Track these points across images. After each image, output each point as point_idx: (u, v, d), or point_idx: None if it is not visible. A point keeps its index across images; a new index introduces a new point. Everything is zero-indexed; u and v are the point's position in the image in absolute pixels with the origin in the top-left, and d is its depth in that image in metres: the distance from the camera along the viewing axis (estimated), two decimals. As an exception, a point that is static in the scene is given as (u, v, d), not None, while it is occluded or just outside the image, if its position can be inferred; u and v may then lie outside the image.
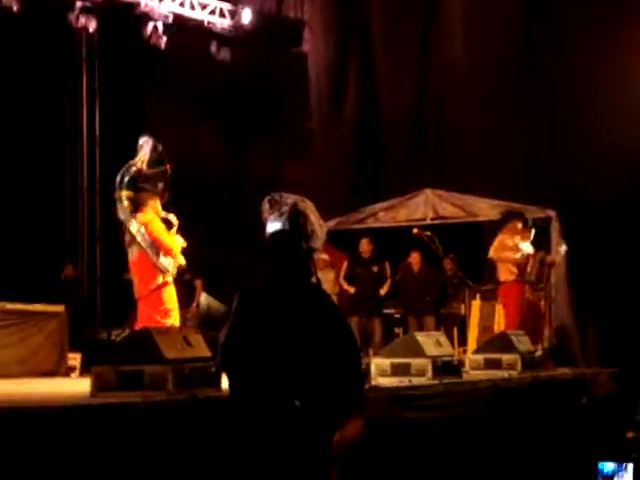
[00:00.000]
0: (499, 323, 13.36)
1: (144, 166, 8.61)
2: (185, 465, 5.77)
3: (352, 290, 13.26)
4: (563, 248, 11.98)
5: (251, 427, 4.56)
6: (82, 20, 12.31)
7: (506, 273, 11.19)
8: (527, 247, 11.32)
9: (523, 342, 10.92)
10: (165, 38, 12.84)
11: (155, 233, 8.58)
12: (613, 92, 12.61)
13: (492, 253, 11.23)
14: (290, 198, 5.94)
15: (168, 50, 12.89)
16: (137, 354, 6.85)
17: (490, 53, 13.96)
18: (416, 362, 9.18)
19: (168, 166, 8.65)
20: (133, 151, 8.47)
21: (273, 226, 5.70)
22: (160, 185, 8.65)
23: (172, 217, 8.81)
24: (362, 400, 4.73)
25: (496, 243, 11.26)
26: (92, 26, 12.43)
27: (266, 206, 5.99)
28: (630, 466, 7.12)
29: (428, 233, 11.92)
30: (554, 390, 10.08)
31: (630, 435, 8.48)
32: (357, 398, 4.65)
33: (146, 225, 8.57)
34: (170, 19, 12.95)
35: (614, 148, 12.66)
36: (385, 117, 14.86)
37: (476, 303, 13.57)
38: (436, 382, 8.93)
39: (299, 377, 4.52)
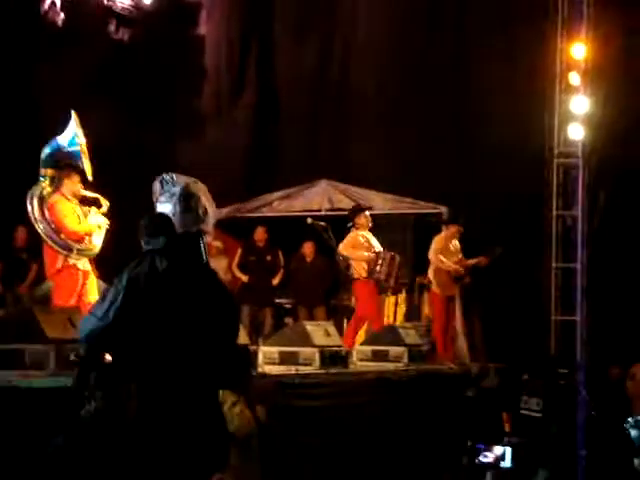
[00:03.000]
0: (389, 316, 13.51)
1: (64, 143, 8.41)
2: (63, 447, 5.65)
3: (245, 279, 13.22)
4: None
5: (143, 403, 4.51)
6: (-24, -8, 12.00)
7: (357, 271, 11.09)
8: (376, 244, 11.27)
9: (411, 335, 11.05)
10: (62, 15, 12.58)
11: (59, 214, 8.36)
12: (506, 93, 12.85)
13: (342, 249, 11.08)
14: (182, 179, 5.85)
15: (64, 27, 12.64)
16: (19, 333, 6.73)
17: (394, 44, 14.08)
18: (304, 351, 9.20)
19: (83, 142, 8.42)
20: (22, 129, 8.25)
21: (164, 207, 5.62)
22: (77, 163, 8.43)
23: (100, 197, 8.55)
24: (247, 378, 4.74)
25: (346, 240, 11.17)
26: (-13, -1, 12.11)
27: (157, 187, 5.89)
28: (508, 449, 7.48)
29: (322, 224, 11.92)
30: (439, 383, 10.23)
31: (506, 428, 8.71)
32: (243, 373, 4.67)
33: (51, 205, 8.35)
34: (69, -5, 12.72)
35: (503, 148, 12.91)
36: (283, 104, 14.86)
37: (366, 295, 13.67)
38: (323, 372, 8.98)
39: (188, 354, 4.50)
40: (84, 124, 8.59)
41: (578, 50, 12.57)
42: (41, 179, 8.46)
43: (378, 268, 11.01)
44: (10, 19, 12.84)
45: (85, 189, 8.56)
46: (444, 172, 13.53)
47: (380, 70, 14.15)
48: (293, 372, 8.78)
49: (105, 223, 8.53)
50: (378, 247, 11.20)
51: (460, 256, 11.91)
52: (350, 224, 11.18)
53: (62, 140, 8.50)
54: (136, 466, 4.47)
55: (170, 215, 5.26)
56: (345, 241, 11.13)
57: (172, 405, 4.44)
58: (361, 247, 11.07)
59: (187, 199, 5.17)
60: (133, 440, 4.39)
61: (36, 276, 12.17)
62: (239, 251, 13.42)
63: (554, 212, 12.89)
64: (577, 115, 12.61)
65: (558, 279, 12.87)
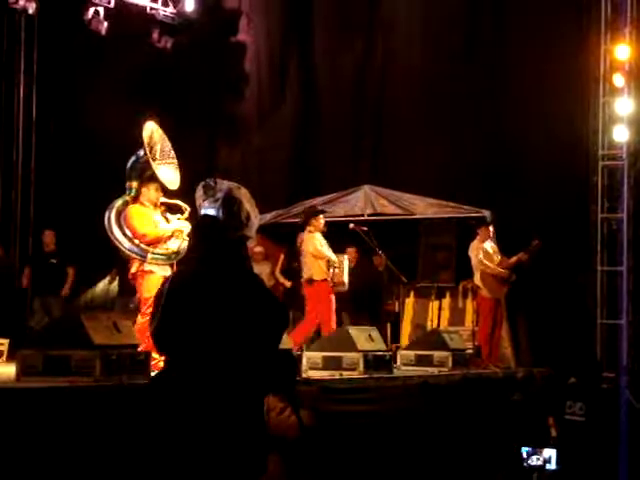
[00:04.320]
0: (432, 320, 13.47)
1: (141, 153, 8.49)
2: (110, 451, 5.70)
3: (288, 284, 13.24)
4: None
5: (187, 406, 4.53)
6: (22, 2, 12.12)
7: (319, 272, 10.92)
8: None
9: (455, 340, 11.01)
10: (106, 23, 12.69)
11: (129, 219, 8.42)
12: (548, 96, 12.75)
13: (312, 250, 10.91)
14: (225, 184, 5.86)
15: (109, 35, 12.75)
16: (65, 339, 6.78)
17: (432, 48, 14.05)
18: (348, 356, 9.20)
19: (149, 152, 8.47)
20: (69, 136, 8.34)
21: (207, 212, 5.63)
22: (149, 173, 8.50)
23: (181, 203, 8.53)
24: (292, 384, 4.74)
25: (309, 241, 11.00)
26: (32, 8, 12.24)
27: (200, 192, 5.89)
28: (554, 451, 7.49)
29: (365, 228, 11.93)
30: (484, 387, 10.18)
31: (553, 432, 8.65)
32: (288, 378, 4.66)
33: (126, 213, 8.41)
34: (112, 4, 12.81)
35: (547, 150, 12.82)
36: (325, 110, 14.88)
37: (410, 300, 13.66)
38: (367, 376, 8.96)
39: (233, 357, 4.51)
40: (127, 130, 8.66)
41: (622, 51, 12.45)
42: (127, 191, 8.54)
43: (335, 271, 11.01)
44: (55, 28, 13.00)
45: (168, 197, 8.60)
46: (489, 176, 13.45)
47: (420, 75, 14.10)
48: (337, 377, 8.78)
49: (187, 228, 8.45)
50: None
51: (500, 257, 11.88)
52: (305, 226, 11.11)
53: (141, 151, 8.56)
54: (173, 470, 4.47)
55: (213, 220, 5.27)
56: (309, 242, 11.01)
57: (211, 410, 4.44)
58: (322, 249, 10.99)
59: (230, 204, 5.15)
60: (172, 442, 4.40)
61: (74, 280, 12.24)
62: (282, 257, 13.45)
63: (599, 215, 12.78)
64: (622, 117, 12.50)
65: (604, 282, 12.77)
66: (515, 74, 13.17)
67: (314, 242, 11.00)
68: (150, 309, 7.46)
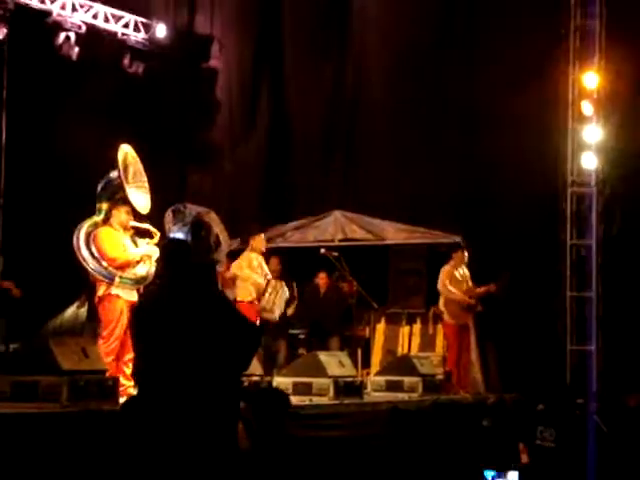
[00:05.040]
0: (403, 346, 13.49)
1: (114, 175, 8.47)
2: (77, 477, 5.66)
3: (259, 309, 13.20)
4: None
5: (155, 430, 4.51)
6: (-9, 27, 12.07)
7: (244, 292, 10.83)
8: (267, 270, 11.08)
9: (425, 365, 11.02)
10: (77, 49, 12.66)
11: (99, 241, 8.39)
12: (519, 123, 12.85)
13: (234, 268, 10.88)
14: (194, 209, 5.89)
15: (80, 61, 12.72)
16: (33, 364, 6.74)
17: (401, 75, 14.14)
18: (318, 382, 9.18)
19: (122, 175, 8.45)
20: (39, 161, 8.32)
21: (175, 236, 5.65)
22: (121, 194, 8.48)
23: (151, 228, 8.39)
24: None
25: (240, 259, 10.95)
26: (2, 33, 12.20)
27: (169, 217, 5.94)
28: (515, 473, 7.51)
29: (335, 254, 11.95)
30: (454, 413, 10.19)
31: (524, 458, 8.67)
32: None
33: (95, 234, 8.40)
34: (83, 29, 12.79)
35: (518, 177, 12.91)
36: (296, 136, 14.93)
37: (381, 326, 13.68)
38: (337, 402, 8.95)
39: (200, 380, 4.51)
40: (97, 154, 8.66)
41: (590, 79, 12.60)
42: (97, 213, 8.52)
43: (267, 296, 10.83)
44: (26, 53, 12.95)
45: (137, 221, 8.56)
46: (457, 201, 13.52)
47: (390, 101, 14.19)
48: (307, 403, 8.75)
49: (155, 253, 8.29)
50: (269, 274, 11.07)
51: (470, 284, 11.92)
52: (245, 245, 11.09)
53: (113, 173, 8.55)
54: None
55: (182, 245, 5.28)
56: (239, 261, 10.93)
57: (179, 433, 4.43)
58: (254, 270, 10.88)
59: (199, 228, 5.20)
60: (140, 467, 4.38)
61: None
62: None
63: (568, 241, 12.87)
64: (590, 144, 12.63)
65: (573, 308, 12.84)
66: (486, 101, 13.26)
67: (241, 262, 10.94)
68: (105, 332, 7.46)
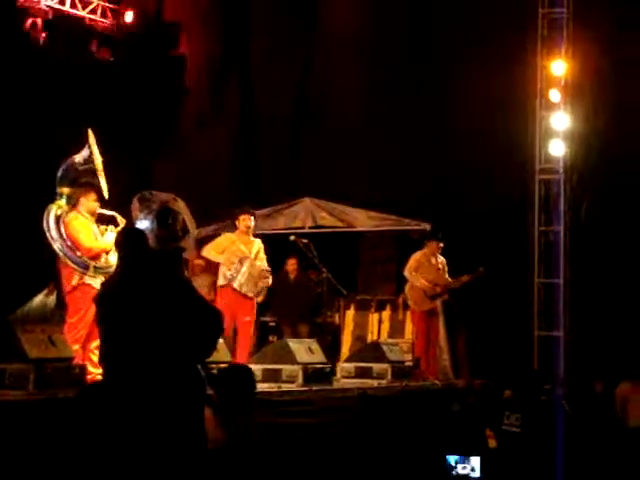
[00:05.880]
0: (373, 332, 13.52)
1: (78, 159, 8.37)
2: (41, 464, 5.64)
3: (228, 297, 13.16)
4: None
5: (117, 415, 4.51)
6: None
7: (220, 277, 10.43)
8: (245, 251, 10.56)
9: (394, 352, 11.06)
10: (44, 34, 12.60)
11: (74, 231, 8.32)
12: (488, 110, 12.90)
13: (205, 252, 10.49)
14: (161, 196, 5.87)
15: (47, 46, 12.65)
16: (0, 352, 6.71)
17: (371, 64, 14.15)
18: (287, 369, 9.21)
19: (99, 160, 8.35)
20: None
21: (142, 224, 5.64)
22: (94, 180, 8.38)
23: (117, 215, 8.31)
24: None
25: (215, 241, 10.57)
26: (-33, 18, 12.12)
27: (136, 204, 5.91)
28: (477, 458, 7.55)
29: (305, 241, 11.94)
30: (423, 399, 10.24)
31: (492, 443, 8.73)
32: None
33: (67, 222, 8.32)
34: (50, 15, 12.72)
35: (487, 164, 12.96)
36: (264, 123, 14.91)
37: (350, 312, 13.71)
38: (306, 389, 8.97)
39: (161, 364, 4.51)
40: (67, 143, 8.59)
41: (558, 67, 12.66)
42: (57, 197, 8.44)
43: (239, 277, 10.29)
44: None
45: (102, 207, 8.49)
46: (426, 189, 13.55)
47: (360, 87, 14.20)
48: (276, 389, 8.77)
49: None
50: (247, 253, 10.45)
51: (445, 271, 11.93)
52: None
53: (78, 158, 8.47)
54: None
55: (148, 232, 5.26)
56: (212, 243, 10.59)
57: (141, 419, 4.43)
58: (226, 252, 10.38)
59: (165, 216, 5.18)
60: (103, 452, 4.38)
61: None
62: (222, 270, 13.37)
63: (536, 228, 12.95)
64: (558, 131, 12.69)
65: (541, 294, 12.92)
66: (456, 87, 13.30)
67: (211, 246, 10.49)
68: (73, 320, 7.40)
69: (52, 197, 8.44)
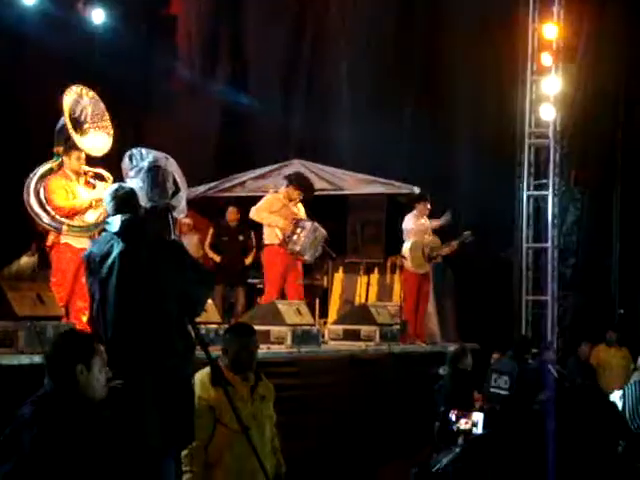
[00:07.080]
0: (361, 295, 13.54)
1: (66, 121, 8.29)
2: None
3: (217, 259, 13.16)
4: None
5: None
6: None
7: (271, 236, 10.44)
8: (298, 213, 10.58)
9: (382, 314, 11.07)
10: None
11: (48, 190, 8.23)
12: (480, 74, 12.87)
13: (253, 214, 10.47)
14: (152, 154, 5.82)
15: (35, 7, 12.52)
16: (-12, 310, 6.68)
17: (364, 21, 14.09)
18: (276, 330, 9.21)
19: (66, 120, 8.27)
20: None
21: (132, 182, 5.59)
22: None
23: (103, 172, 8.31)
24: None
25: (261, 203, 10.55)
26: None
27: (126, 161, 5.86)
28: (480, 415, 7.61)
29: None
30: (410, 361, 10.29)
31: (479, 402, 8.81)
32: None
33: (46, 183, 8.26)
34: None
35: (479, 124, 12.95)
36: (255, 85, 14.85)
37: (339, 275, 13.72)
38: (294, 350, 8.99)
39: (154, 321, 4.50)
40: (52, 103, 8.51)
41: (550, 30, 12.61)
42: (54, 157, 8.39)
43: (295, 238, 10.33)
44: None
45: (94, 165, 8.42)
46: (415, 153, 13.50)
47: (352, 50, 14.14)
48: (265, 350, 8.77)
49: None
50: (301, 215, 10.54)
51: (431, 236, 11.89)
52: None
53: (62, 120, 8.39)
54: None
55: (138, 190, 5.23)
56: (260, 204, 10.57)
57: (139, 381, 4.44)
58: (277, 212, 10.44)
59: (155, 173, 5.14)
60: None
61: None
62: (211, 231, 13.37)
63: (525, 192, 12.96)
64: (548, 96, 12.67)
65: (529, 259, 12.97)
66: (447, 52, 13.25)
67: (272, 204, 10.48)
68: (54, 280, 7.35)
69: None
